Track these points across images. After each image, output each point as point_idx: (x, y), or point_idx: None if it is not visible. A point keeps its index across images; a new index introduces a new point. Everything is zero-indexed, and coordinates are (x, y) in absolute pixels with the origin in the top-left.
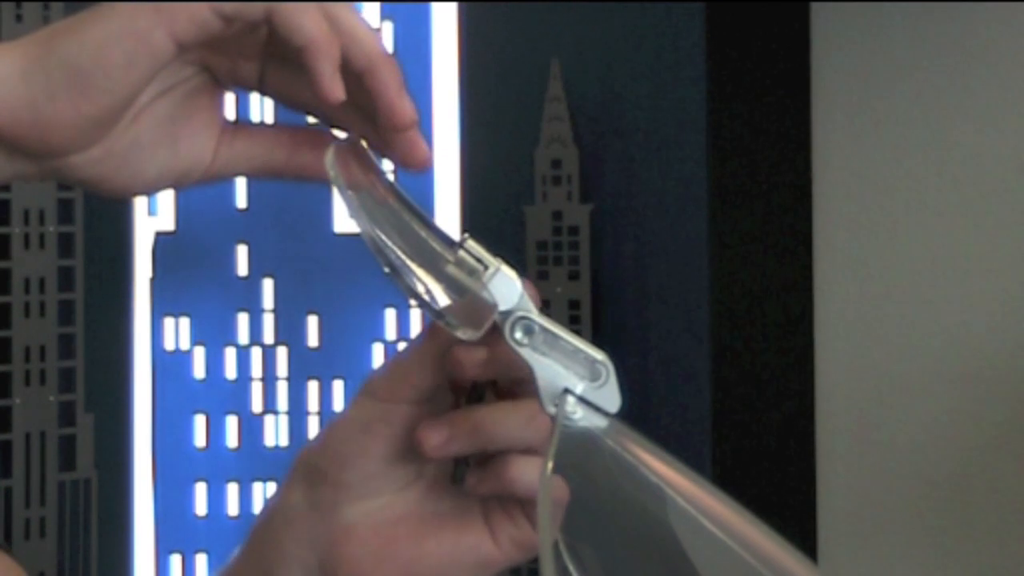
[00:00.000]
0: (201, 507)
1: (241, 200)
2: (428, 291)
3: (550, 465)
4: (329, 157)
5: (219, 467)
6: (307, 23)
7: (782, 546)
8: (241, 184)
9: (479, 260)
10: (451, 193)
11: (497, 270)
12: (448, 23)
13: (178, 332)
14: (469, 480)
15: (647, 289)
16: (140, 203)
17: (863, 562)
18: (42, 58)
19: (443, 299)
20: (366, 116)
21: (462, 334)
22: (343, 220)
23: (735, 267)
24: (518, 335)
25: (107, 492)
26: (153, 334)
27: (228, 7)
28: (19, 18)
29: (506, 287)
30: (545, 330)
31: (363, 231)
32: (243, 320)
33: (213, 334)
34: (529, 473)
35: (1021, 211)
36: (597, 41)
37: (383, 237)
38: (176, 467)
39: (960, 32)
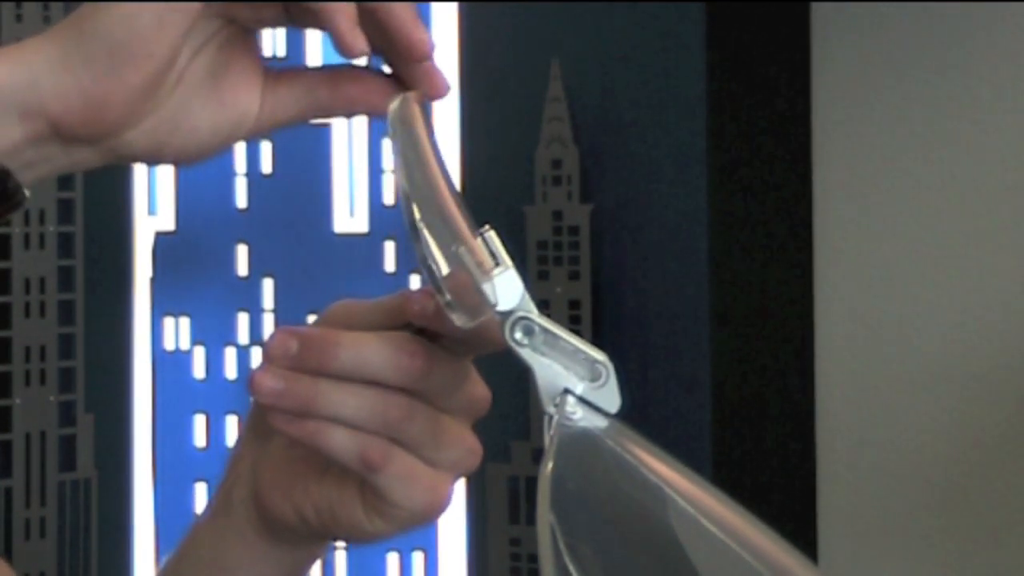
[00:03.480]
0: (201, 507)
1: (241, 200)
2: (437, 266)
3: (550, 465)
4: (395, 106)
5: (219, 467)
6: None
7: (782, 546)
8: (241, 184)
9: (493, 254)
10: None
11: (505, 269)
12: (448, 23)
13: (178, 332)
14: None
15: (647, 289)
16: (140, 203)
17: (863, 562)
18: (78, 41)
19: (444, 282)
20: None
21: (457, 319)
22: (343, 220)
23: (735, 267)
24: (518, 335)
25: (107, 492)
26: (153, 334)
27: None
28: (19, 18)
29: (509, 288)
30: (545, 330)
31: (398, 187)
32: (243, 320)
33: (213, 334)
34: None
35: (1021, 211)
36: (597, 41)
37: (414, 201)
38: (176, 467)
39: (960, 32)
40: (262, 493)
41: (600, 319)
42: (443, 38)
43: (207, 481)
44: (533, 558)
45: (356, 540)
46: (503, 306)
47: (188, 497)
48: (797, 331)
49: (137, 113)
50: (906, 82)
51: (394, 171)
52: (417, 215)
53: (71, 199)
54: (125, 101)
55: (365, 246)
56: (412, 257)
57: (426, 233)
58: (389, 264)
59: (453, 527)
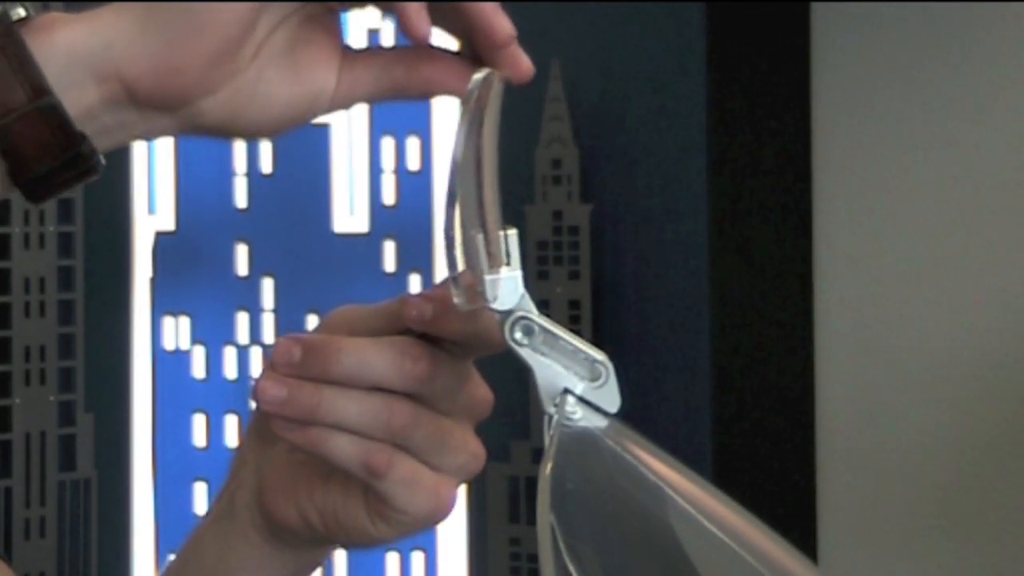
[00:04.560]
0: (201, 507)
1: (241, 200)
2: (455, 241)
3: (550, 465)
4: (478, 77)
5: (219, 467)
6: None
7: (782, 546)
8: (241, 184)
9: (507, 253)
10: None
11: (512, 270)
12: None
13: (178, 332)
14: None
15: (647, 289)
16: (140, 203)
17: (863, 562)
18: (155, 11)
19: (459, 259)
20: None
21: (456, 298)
22: (343, 220)
23: (735, 267)
24: (518, 335)
25: (107, 492)
26: (153, 334)
27: None
28: None
29: (509, 288)
30: (545, 330)
31: (453, 156)
32: (243, 320)
33: (213, 334)
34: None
35: (1021, 211)
36: (597, 41)
37: (459, 173)
38: (176, 467)
39: (960, 32)
40: (266, 497)
41: (600, 319)
42: (443, 38)
43: (207, 481)
44: (533, 558)
45: (360, 544)
46: (497, 304)
47: (188, 497)
48: (797, 331)
49: (212, 81)
50: (906, 82)
51: (455, 137)
52: (457, 188)
53: (71, 199)
54: (199, 67)
55: (365, 246)
56: (412, 257)
57: (458, 207)
58: (389, 264)
59: (453, 527)
